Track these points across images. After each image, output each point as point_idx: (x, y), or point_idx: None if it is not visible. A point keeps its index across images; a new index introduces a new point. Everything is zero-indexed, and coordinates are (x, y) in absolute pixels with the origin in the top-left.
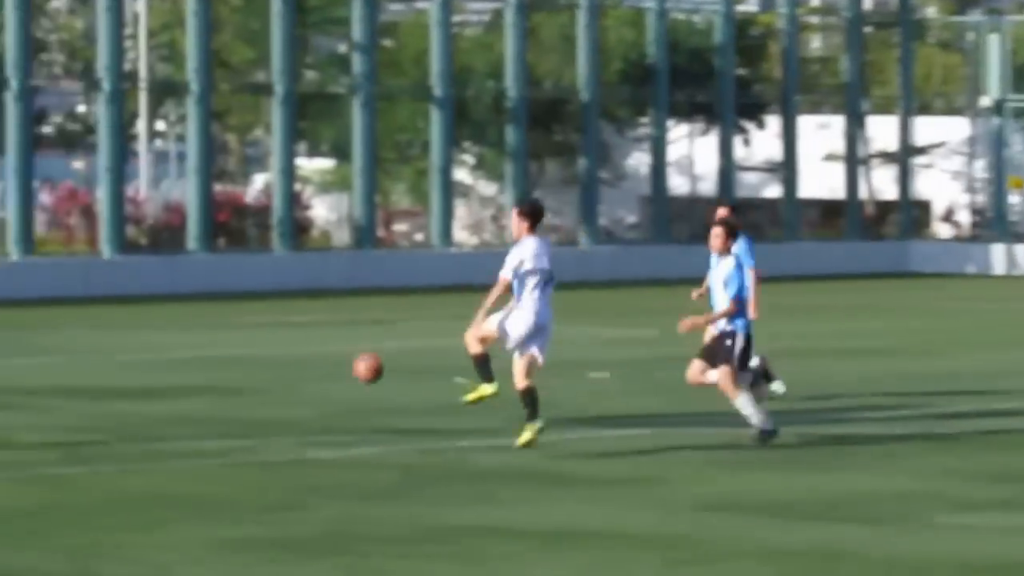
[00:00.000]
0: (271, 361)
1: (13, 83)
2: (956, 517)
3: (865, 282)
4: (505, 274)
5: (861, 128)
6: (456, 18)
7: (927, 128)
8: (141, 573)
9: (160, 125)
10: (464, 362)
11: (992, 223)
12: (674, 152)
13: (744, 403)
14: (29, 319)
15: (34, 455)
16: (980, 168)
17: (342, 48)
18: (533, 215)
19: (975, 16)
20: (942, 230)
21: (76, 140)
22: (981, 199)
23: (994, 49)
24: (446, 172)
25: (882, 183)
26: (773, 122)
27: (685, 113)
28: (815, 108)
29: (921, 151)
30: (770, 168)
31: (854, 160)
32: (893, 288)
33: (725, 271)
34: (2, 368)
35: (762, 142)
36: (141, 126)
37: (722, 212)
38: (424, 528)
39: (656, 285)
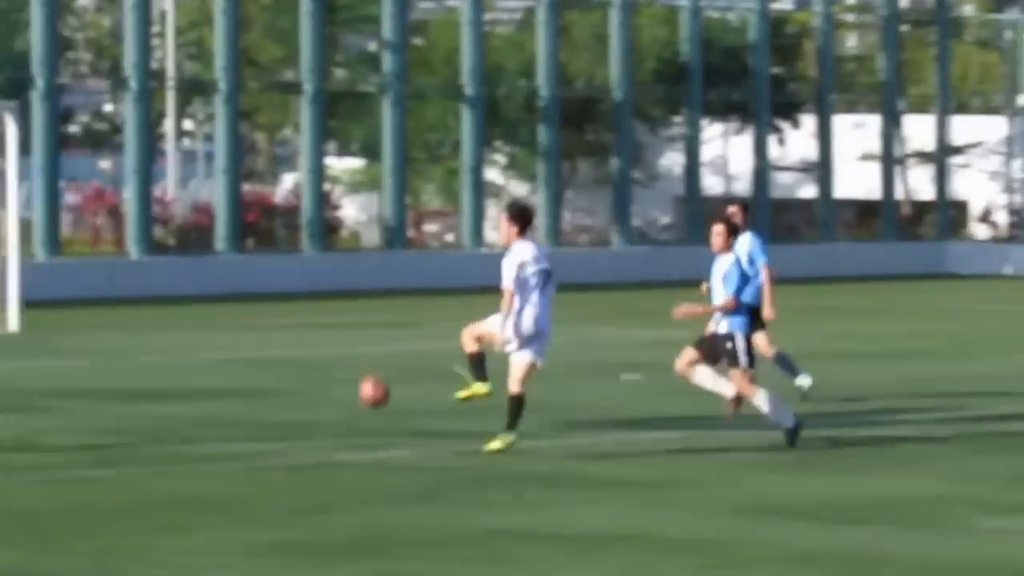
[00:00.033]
0: (300, 363)
1: (39, 82)
2: (993, 520)
3: (901, 283)
4: (507, 285)
5: (897, 127)
6: (487, 16)
7: (964, 127)
8: None
9: (188, 124)
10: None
11: None
12: (708, 152)
13: (764, 401)
14: (55, 321)
15: (61, 458)
16: (1018, 168)
17: (372, 46)
18: (523, 219)
19: (1013, 14)
20: (979, 231)
21: (103, 140)
22: (1019, 199)
23: None
24: (477, 172)
25: (919, 183)
26: (808, 121)
27: (719, 112)
28: (851, 107)
29: (958, 151)
30: (805, 168)
31: (890, 160)
32: (929, 289)
33: (724, 267)
34: (28, 370)
35: (797, 142)
36: (169, 125)
37: (733, 210)
38: (454, 532)
39: (690, 286)
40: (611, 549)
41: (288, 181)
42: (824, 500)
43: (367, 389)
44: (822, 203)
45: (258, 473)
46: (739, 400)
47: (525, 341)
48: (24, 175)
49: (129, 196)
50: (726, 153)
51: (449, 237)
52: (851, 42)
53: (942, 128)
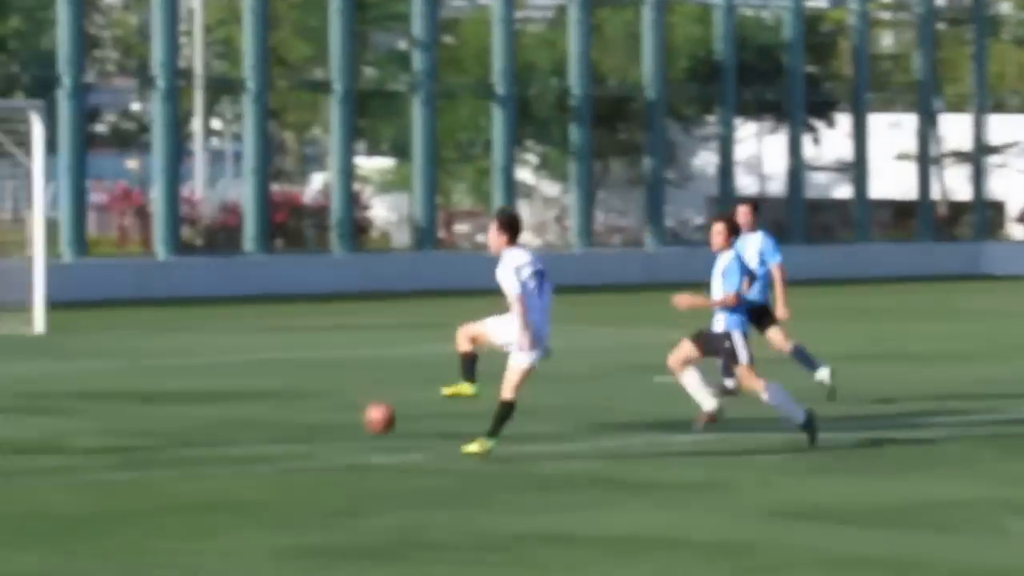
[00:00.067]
0: (329, 364)
1: (66, 80)
2: None
3: (937, 284)
4: (516, 291)
5: (934, 127)
6: (519, 14)
7: (1001, 127)
8: None
9: (216, 123)
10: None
11: None
12: (742, 151)
13: (772, 394)
14: (81, 322)
15: (87, 460)
16: None
17: (402, 45)
18: (512, 227)
19: None
20: (1016, 231)
21: (130, 139)
22: None
23: None
24: (508, 172)
25: (955, 183)
26: (844, 121)
27: (753, 111)
28: (887, 106)
29: (995, 150)
30: (841, 168)
31: (926, 159)
32: (965, 291)
33: (724, 264)
34: (55, 371)
35: (832, 141)
36: (196, 124)
37: (743, 210)
38: (486, 536)
39: None
40: (643, 552)
41: (317, 181)
42: (858, 503)
43: (373, 413)
44: (857, 203)
45: (286, 476)
46: (711, 417)
47: (523, 346)
48: (50, 175)
49: (156, 196)
50: (760, 153)
51: (480, 238)
52: (887, 40)
53: (979, 127)
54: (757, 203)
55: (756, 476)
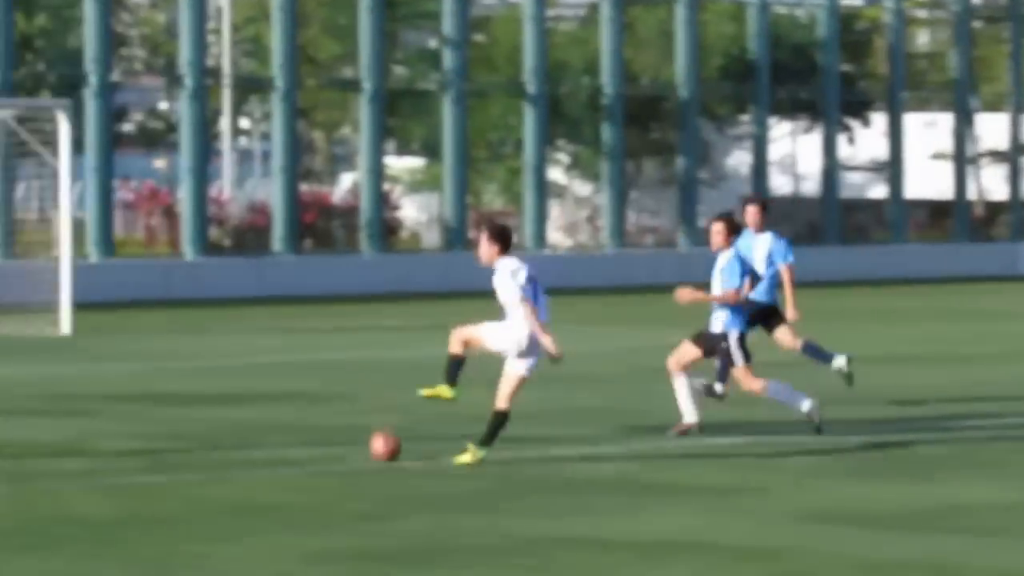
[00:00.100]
0: (358, 366)
1: (92, 79)
2: None
3: (974, 285)
4: (519, 294)
5: (970, 126)
6: (550, 12)
7: None
8: None
9: (244, 123)
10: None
11: None
12: (776, 151)
13: (775, 391)
14: (108, 323)
15: (114, 463)
16: None
17: (432, 43)
18: (503, 237)
19: None
20: None
21: (157, 138)
22: None
23: None
24: (540, 171)
25: (991, 183)
26: (879, 120)
27: (787, 111)
28: (922, 105)
29: None
30: (876, 167)
31: (962, 159)
32: (1002, 292)
33: (723, 263)
34: (81, 373)
35: (867, 140)
36: (224, 124)
37: (752, 210)
38: (516, 539)
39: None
40: (675, 557)
41: (346, 181)
42: (893, 507)
43: (378, 445)
44: (893, 203)
45: (314, 479)
46: (688, 429)
47: (519, 354)
48: (77, 175)
49: (184, 196)
50: (794, 152)
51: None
52: (923, 39)
53: (1016, 126)
54: (765, 203)
55: (788, 480)
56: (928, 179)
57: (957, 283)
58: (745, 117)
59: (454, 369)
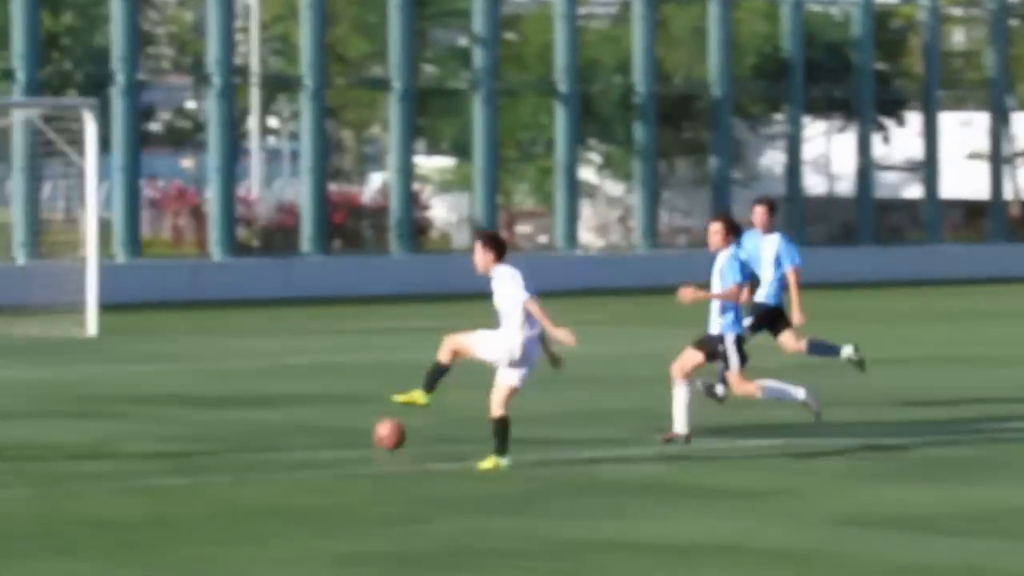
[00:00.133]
0: (388, 368)
1: (119, 78)
2: None
3: (1010, 286)
4: (524, 294)
5: (1006, 125)
6: (582, 10)
7: None
8: None
9: (272, 122)
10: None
11: None
12: (810, 150)
13: (768, 391)
14: (135, 324)
15: (141, 465)
16: None
17: (463, 41)
18: (498, 245)
19: None
20: None
21: (185, 138)
22: None
23: None
24: (571, 171)
25: None
26: (914, 119)
27: (822, 109)
28: (958, 104)
29: None
30: (911, 167)
31: (999, 159)
32: None
33: (721, 263)
34: (108, 375)
35: (902, 140)
36: (253, 123)
37: (760, 210)
38: (548, 543)
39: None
40: (707, 560)
41: (376, 180)
42: (928, 511)
43: (382, 430)
44: (928, 203)
45: (345, 481)
46: (674, 438)
47: (511, 363)
48: (103, 174)
49: (212, 196)
50: (828, 152)
51: (542, 239)
52: (958, 37)
53: None
54: (774, 203)
55: (821, 483)
56: (964, 179)
57: (993, 284)
58: (779, 116)
59: (435, 377)
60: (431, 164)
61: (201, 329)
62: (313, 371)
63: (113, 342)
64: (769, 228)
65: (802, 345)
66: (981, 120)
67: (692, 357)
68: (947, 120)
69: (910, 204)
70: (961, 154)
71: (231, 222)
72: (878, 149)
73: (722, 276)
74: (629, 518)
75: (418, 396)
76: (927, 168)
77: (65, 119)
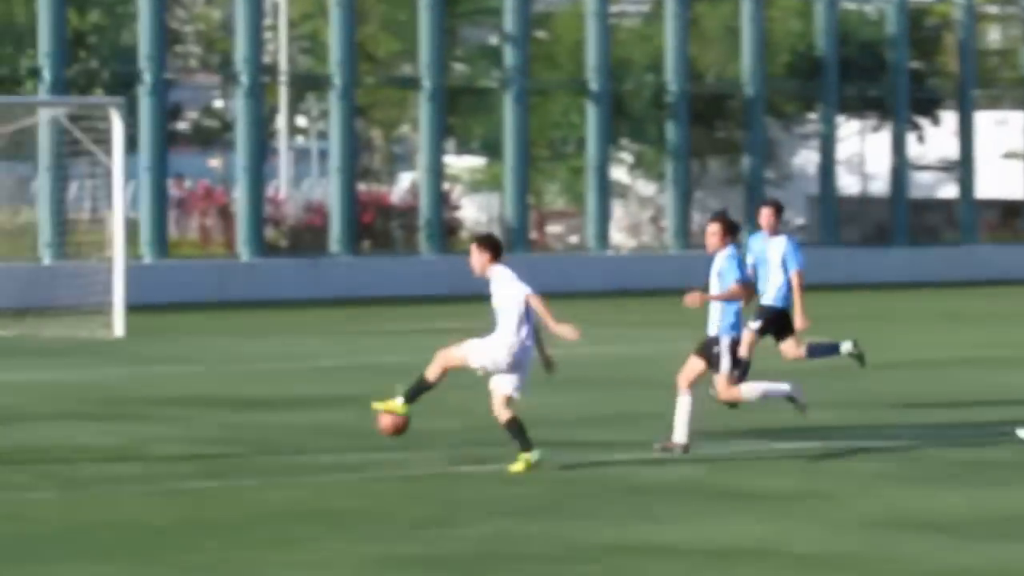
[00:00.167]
0: (417, 369)
1: (146, 77)
2: None
3: None
4: (528, 289)
5: None
6: (614, 8)
7: None
8: None
9: (301, 121)
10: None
11: None
12: (844, 150)
13: (756, 393)
14: (162, 325)
15: (168, 468)
16: None
17: (493, 40)
18: (494, 246)
19: None
20: None
21: (212, 137)
22: None
23: None
24: (603, 171)
25: None
26: (949, 118)
27: (856, 109)
28: (993, 103)
29: None
30: (946, 167)
31: None
32: None
33: (720, 264)
34: (135, 377)
35: (937, 139)
36: (281, 122)
37: (766, 212)
38: (578, 546)
39: (825, 290)
40: (740, 564)
41: (405, 180)
42: (962, 514)
43: (386, 421)
44: (963, 203)
45: (373, 484)
46: (673, 448)
47: (504, 369)
48: (130, 174)
49: (240, 196)
50: (863, 151)
51: (573, 239)
52: (993, 35)
53: None
54: (780, 205)
55: (856, 486)
56: (999, 178)
57: None
58: (812, 115)
59: (418, 391)
60: (461, 164)
61: (229, 330)
62: (342, 373)
63: (140, 343)
64: (775, 230)
65: (801, 352)
66: (1017, 119)
67: (695, 366)
68: (982, 119)
69: (945, 204)
70: (997, 153)
71: (259, 222)
72: (913, 148)
73: (721, 277)
74: (660, 521)
75: (396, 406)
76: (962, 168)
77: (92, 118)
